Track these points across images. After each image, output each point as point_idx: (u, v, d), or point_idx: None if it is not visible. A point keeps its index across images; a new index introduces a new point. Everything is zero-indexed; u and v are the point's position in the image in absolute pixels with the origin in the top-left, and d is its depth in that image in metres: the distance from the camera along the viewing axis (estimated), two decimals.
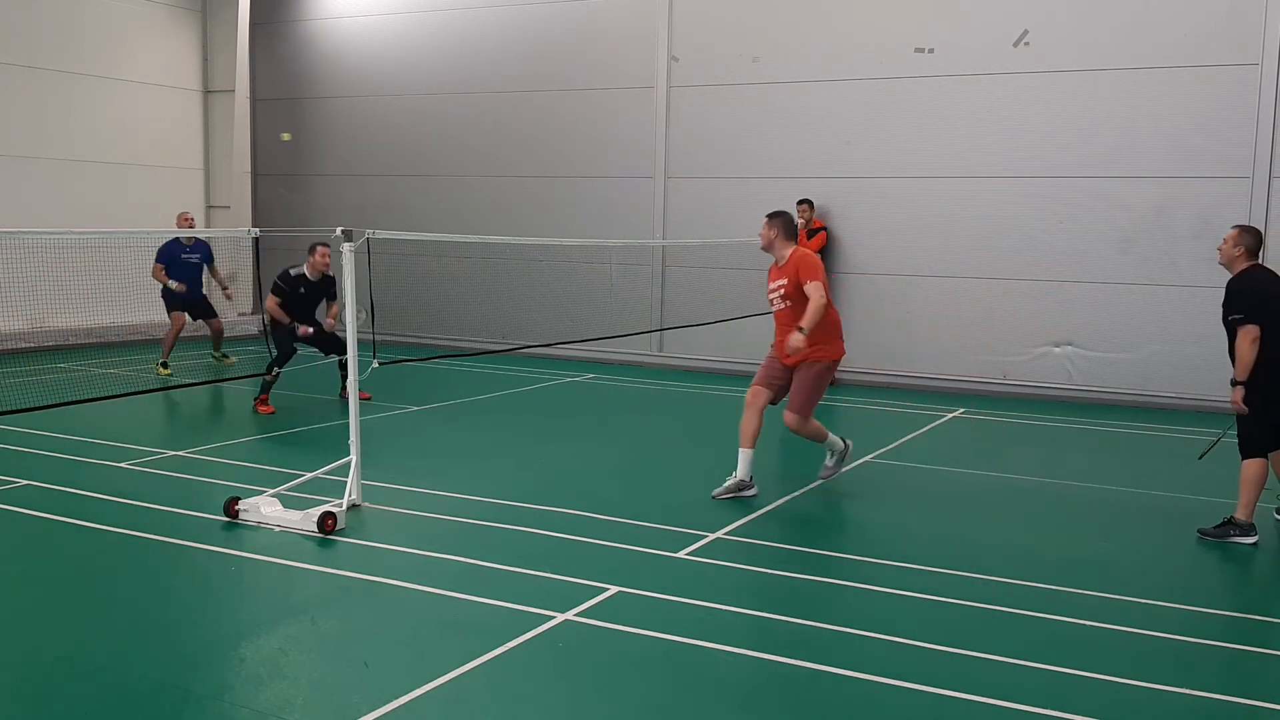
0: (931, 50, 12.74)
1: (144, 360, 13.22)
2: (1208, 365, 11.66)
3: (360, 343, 6.90)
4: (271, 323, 10.80)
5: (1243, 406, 6.57)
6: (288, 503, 6.70)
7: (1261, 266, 6.79)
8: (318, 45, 16.98)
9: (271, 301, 10.75)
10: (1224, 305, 6.68)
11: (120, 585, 5.70)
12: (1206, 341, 11.64)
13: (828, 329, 7.39)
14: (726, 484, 7.51)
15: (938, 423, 10.62)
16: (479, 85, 15.66)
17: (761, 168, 13.76)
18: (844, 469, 8.03)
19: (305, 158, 17.32)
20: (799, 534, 6.73)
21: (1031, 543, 6.74)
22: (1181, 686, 4.47)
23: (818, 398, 7.54)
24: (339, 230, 6.87)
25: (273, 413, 10.30)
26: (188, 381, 11.90)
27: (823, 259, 12.98)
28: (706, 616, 5.17)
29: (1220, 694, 4.44)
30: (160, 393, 11.43)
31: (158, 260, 12.40)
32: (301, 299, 10.82)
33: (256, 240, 8.13)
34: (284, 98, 17.37)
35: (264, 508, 6.60)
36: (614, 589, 5.47)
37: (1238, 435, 6.78)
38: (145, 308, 13.42)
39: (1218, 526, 6.78)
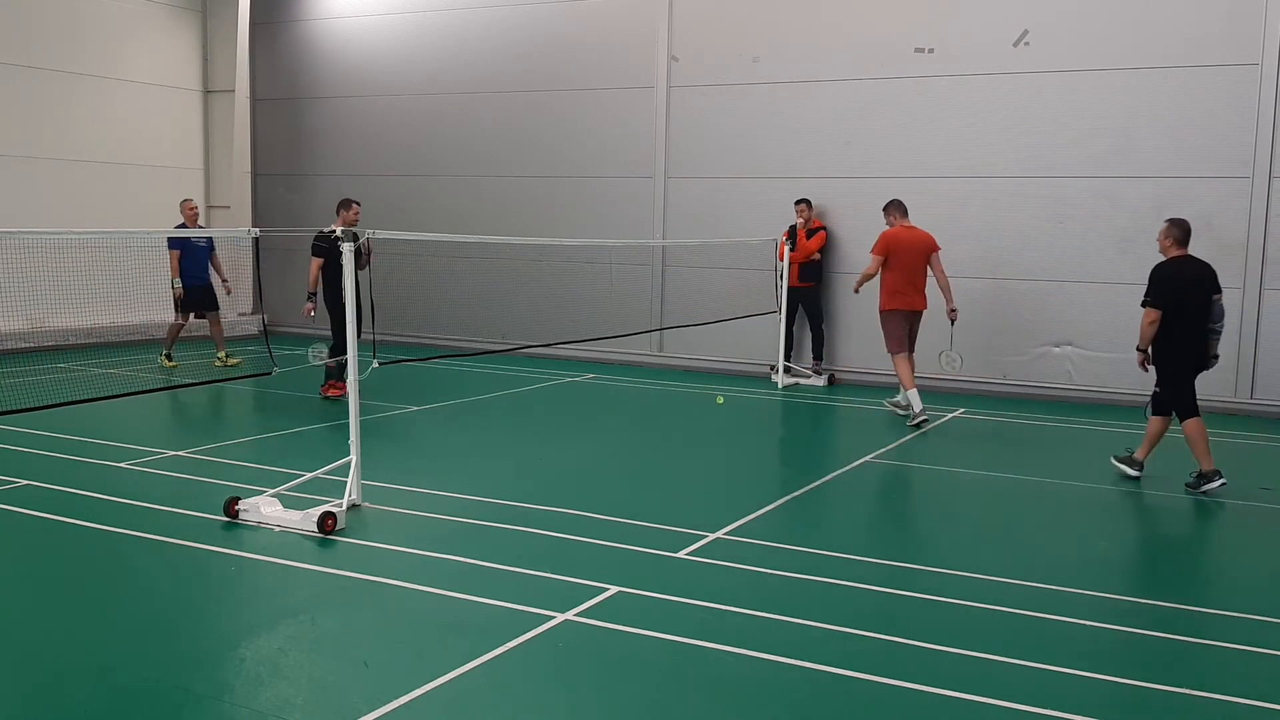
0: (931, 50, 12.74)
1: (144, 360, 13.23)
2: None
3: (361, 342, 6.90)
4: (320, 293, 10.72)
5: (1145, 368, 8.04)
6: (288, 503, 6.70)
7: (1186, 257, 7.93)
8: (318, 45, 16.99)
9: (315, 265, 10.58)
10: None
11: (120, 585, 5.70)
12: None
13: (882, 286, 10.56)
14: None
15: (938, 423, 10.61)
16: (479, 85, 15.67)
17: (761, 168, 13.76)
18: (914, 425, 10.12)
19: (305, 158, 17.32)
20: (799, 534, 6.73)
21: (1031, 542, 6.74)
22: (1182, 686, 4.47)
23: (887, 334, 10.57)
24: (339, 230, 6.88)
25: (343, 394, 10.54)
26: (188, 381, 11.91)
27: (822, 259, 13.22)
28: (706, 616, 5.17)
29: (1220, 694, 4.44)
30: (160, 393, 11.43)
31: (172, 247, 12.54)
32: (332, 261, 10.48)
33: (256, 240, 8.12)
34: (284, 98, 17.38)
35: (264, 508, 6.60)
36: (614, 589, 5.47)
37: (1154, 399, 8.07)
38: (145, 308, 13.42)
39: (1196, 478, 7.90)
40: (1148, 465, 8.21)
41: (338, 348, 10.71)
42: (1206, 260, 8.09)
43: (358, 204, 11.08)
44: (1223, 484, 7.78)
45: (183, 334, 13.34)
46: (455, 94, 15.87)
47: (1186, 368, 7.91)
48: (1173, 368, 7.93)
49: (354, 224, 10.90)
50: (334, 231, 10.50)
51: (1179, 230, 7.96)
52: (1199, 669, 4.77)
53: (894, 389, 12.56)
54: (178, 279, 12.59)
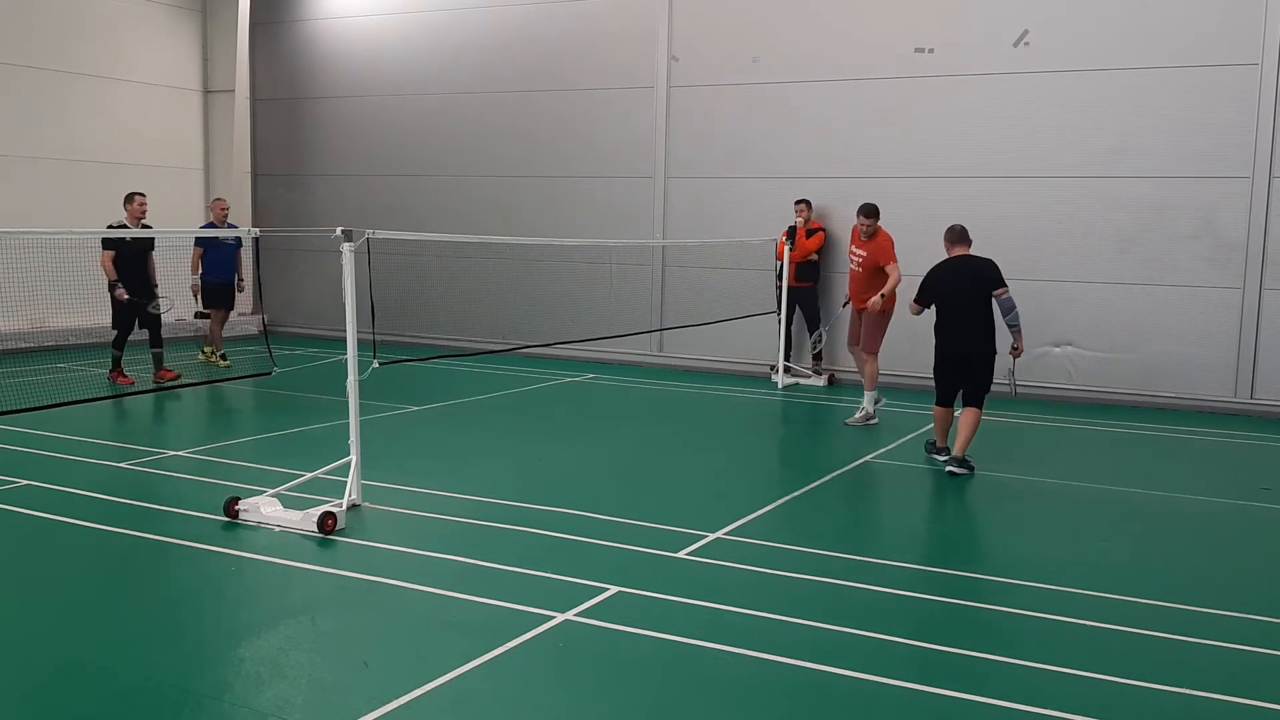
0: (931, 50, 12.74)
1: (144, 360, 13.21)
2: (1208, 365, 11.68)
3: (361, 342, 6.89)
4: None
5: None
6: (288, 503, 6.70)
7: (960, 257, 8.53)
8: (318, 45, 16.99)
9: (106, 258, 11.16)
10: None
11: (120, 585, 5.70)
12: (1206, 341, 11.68)
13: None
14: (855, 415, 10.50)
15: None
16: (479, 85, 15.66)
17: (761, 168, 13.76)
18: (853, 422, 10.43)
19: (305, 158, 17.32)
20: (799, 534, 6.73)
21: (1031, 542, 6.74)
22: (1181, 686, 4.47)
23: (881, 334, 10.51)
24: (339, 230, 6.86)
25: (132, 384, 11.37)
26: (188, 381, 11.91)
27: (821, 259, 13.20)
28: (706, 616, 5.17)
29: (1220, 694, 4.44)
30: (160, 393, 11.43)
31: (197, 244, 12.85)
32: (127, 249, 11.23)
33: (256, 240, 8.13)
34: (284, 98, 17.38)
35: (264, 508, 6.60)
36: (614, 589, 5.47)
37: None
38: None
39: (929, 453, 8.79)
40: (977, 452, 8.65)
41: (120, 340, 11.55)
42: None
43: (141, 195, 11.60)
44: (945, 461, 8.40)
45: (183, 336, 13.48)
46: (455, 94, 15.87)
47: (945, 358, 8.51)
48: (936, 356, 8.59)
49: (140, 216, 11.59)
50: (123, 224, 11.35)
51: (952, 234, 8.60)
52: (1198, 669, 4.75)
53: (900, 390, 12.57)
54: (196, 276, 12.92)
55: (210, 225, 13.35)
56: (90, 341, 14.57)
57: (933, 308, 8.64)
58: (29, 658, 4.67)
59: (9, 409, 7.81)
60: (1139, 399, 11.90)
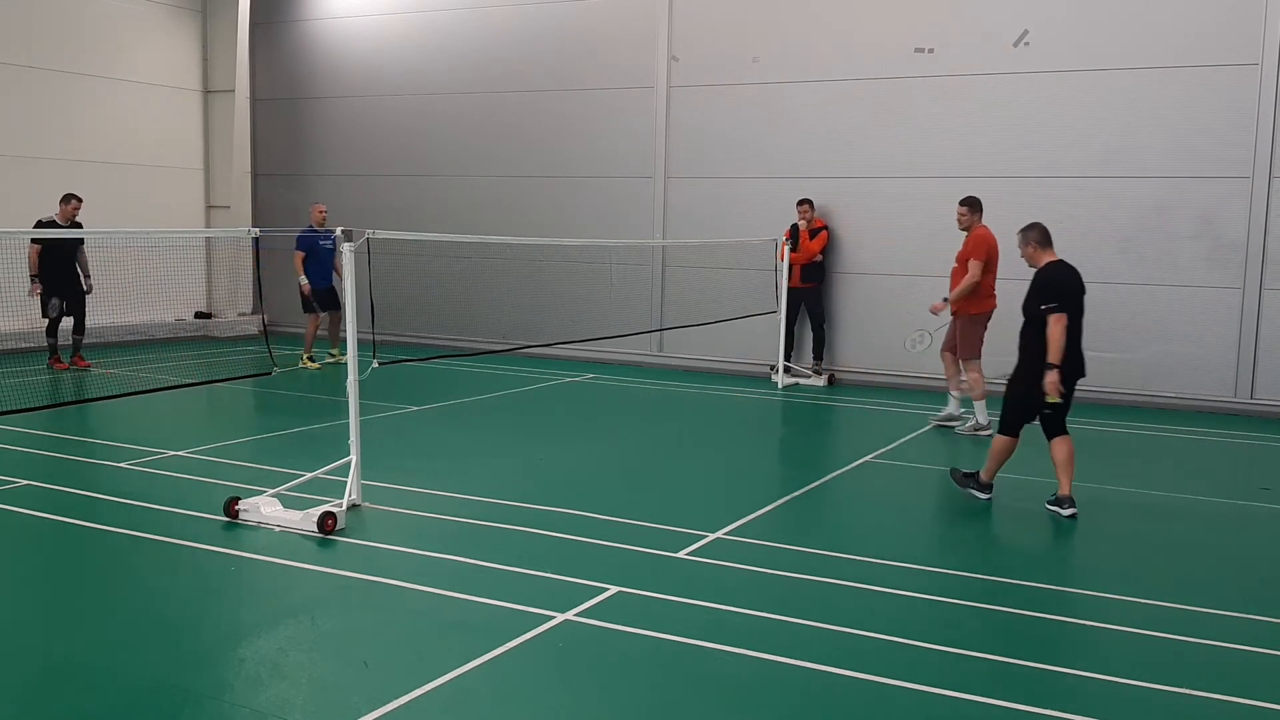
0: (931, 50, 12.74)
1: (144, 360, 13.23)
2: (1207, 365, 11.69)
3: (360, 342, 6.89)
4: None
5: (1060, 389, 6.83)
6: (288, 503, 6.70)
7: (1066, 263, 7.33)
8: (318, 45, 16.99)
9: (33, 251, 11.79)
10: (1032, 295, 7.15)
11: (120, 585, 5.70)
12: (1206, 341, 11.68)
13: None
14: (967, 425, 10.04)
15: (936, 422, 10.59)
16: (479, 85, 15.67)
17: (761, 168, 13.76)
18: (962, 431, 10.01)
19: (305, 158, 17.32)
20: (799, 534, 6.73)
21: (1031, 542, 6.74)
22: (1181, 686, 4.47)
23: (974, 339, 9.96)
24: (339, 230, 6.86)
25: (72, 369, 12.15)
26: (188, 381, 11.90)
27: (824, 258, 13.20)
28: (706, 616, 5.17)
29: (1220, 694, 4.44)
30: (160, 393, 11.42)
31: (298, 248, 13.13)
32: (55, 247, 11.81)
33: (256, 240, 8.12)
34: (284, 98, 17.38)
35: (264, 508, 6.60)
36: (614, 589, 5.46)
37: (1001, 413, 7.27)
38: (144, 307, 13.43)
39: (965, 475, 7.55)
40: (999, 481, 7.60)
41: (52, 328, 12.43)
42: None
43: (78, 199, 12.32)
44: (1072, 514, 7.05)
45: (184, 336, 13.43)
46: (455, 94, 15.87)
47: (1065, 381, 7.01)
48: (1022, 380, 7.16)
49: (72, 218, 12.24)
50: (53, 220, 11.97)
51: (1037, 233, 7.42)
52: (1197, 668, 4.76)
53: (900, 390, 12.54)
54: (303, 277, 13.21)
55: (310, 229, 13.40)
56: (90, 341, 14.55)
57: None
58: (29, 657, 4.67)
59: (9, 409, 7.81)
60: (1139, 399, 11.90)
